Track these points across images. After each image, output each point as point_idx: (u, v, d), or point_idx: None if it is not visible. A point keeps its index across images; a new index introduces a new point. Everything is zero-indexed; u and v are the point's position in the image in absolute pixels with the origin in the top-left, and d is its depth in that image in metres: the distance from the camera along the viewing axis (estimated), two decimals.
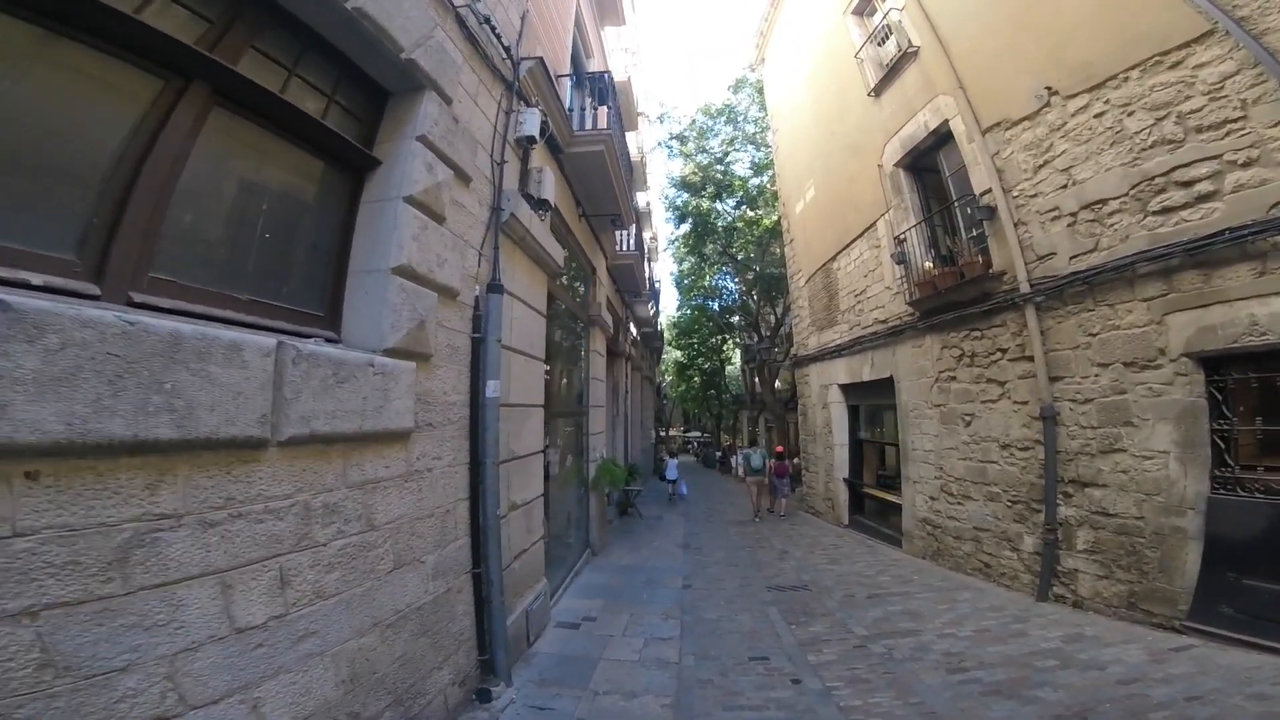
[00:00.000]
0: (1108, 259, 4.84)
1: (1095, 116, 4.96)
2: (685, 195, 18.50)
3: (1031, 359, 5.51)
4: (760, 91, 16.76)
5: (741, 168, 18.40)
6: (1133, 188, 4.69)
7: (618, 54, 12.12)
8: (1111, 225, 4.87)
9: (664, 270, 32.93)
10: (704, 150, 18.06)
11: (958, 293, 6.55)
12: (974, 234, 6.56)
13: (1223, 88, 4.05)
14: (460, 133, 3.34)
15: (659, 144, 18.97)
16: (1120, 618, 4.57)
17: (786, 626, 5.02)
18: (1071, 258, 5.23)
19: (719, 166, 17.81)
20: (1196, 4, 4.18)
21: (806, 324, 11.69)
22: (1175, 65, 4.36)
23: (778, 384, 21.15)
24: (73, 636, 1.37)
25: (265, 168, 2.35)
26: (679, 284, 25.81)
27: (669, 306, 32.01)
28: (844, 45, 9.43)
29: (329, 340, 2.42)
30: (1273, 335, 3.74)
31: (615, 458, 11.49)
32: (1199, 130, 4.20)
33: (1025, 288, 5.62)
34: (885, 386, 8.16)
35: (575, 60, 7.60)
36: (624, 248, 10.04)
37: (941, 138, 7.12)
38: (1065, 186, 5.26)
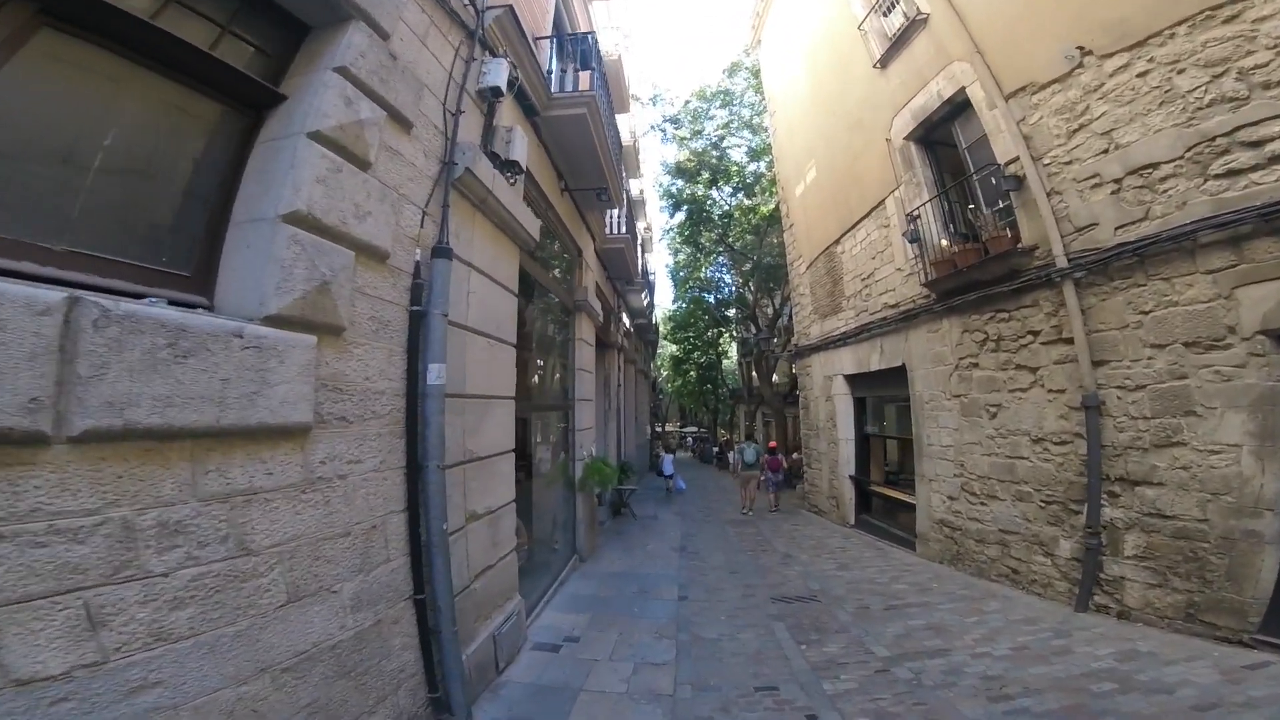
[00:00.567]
0: (1161, 228, 4.25)
1: (1138, 76, 4.44)
2: (680, 182, 17.81)
3: (1070, 341, 4.90)
4: (756, 75, 16.11)
5: (738, 154, 17.72)
6: (1189, 150, 4.13)
7: (608, 32, 11.44)
8: (1165, 191, 4.29)
9: (659, 263, 32.27)
10: (699, 134, 17.33)
11: (981, 271, 5.93)
12: (998, 207, 5.97)
13: None
14: (399, 72, 2.74)
15: (652, 127, 18.26)
16: (1176, 630, 4.03)
17: (796, 647, 4.40)
18: (1117, 228, 4.63)
19: (715, 152, 17.09)
20: None
21: (808, 312, 11.06)
22: (1230, 20, 3.89)
23: (776, 377, 20.57)
24: None
25: (120, 102, 1.82)
26: (674, 276, 25.21)
27: (665, 300, 31.48)
28: (845, 18, 8.82)
29: (186, 306, 1.76)
30: None
31: (607, 455, 10.86)
32: (1266, 87, 3.69)
33: (1062, 262, 5.00)
34: (897, 376, 7.53)
35: (558, 27, 6.94)
36: (614, 230, 9.39)
37: (957, 107, 6.54)
38: (1106, 151, 4.69)
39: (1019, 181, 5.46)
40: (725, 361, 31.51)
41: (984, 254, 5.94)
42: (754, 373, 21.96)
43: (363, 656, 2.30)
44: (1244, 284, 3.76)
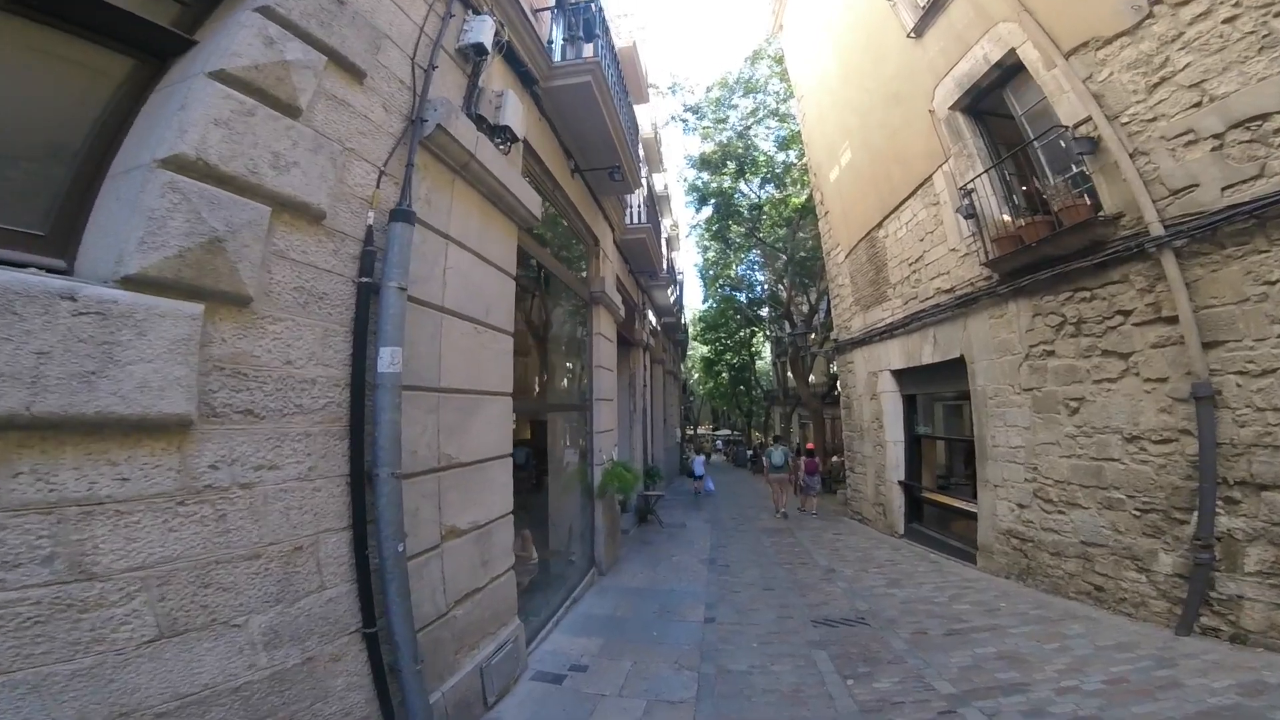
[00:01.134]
0: None
1: (1224, 22, 3.89)
2: (705, 175, 17.12)
3: (1173, 320, 4.09)
4: (779, 61, 15.39)
5: (766, 144, 16.91)
6: None
7: (620, 20, 11.02)
8: None
9: (687, 263, 31.63)
10: (722, 123, 16.56)
11: (1054, 245, 5.16)
12: (1069, 174, 5.20)
13: None
14: (348, 17, 2.34)
15: (672, 118, 17.54)
16: None
17: (841, 681, 3.74)
18: (1225, 188, 3.91)
19: (740, 142, 16.32)
20: None
21: (849, 304, 10.25)
22: None
23: (813, 377, 19.61)
24: None
25: None
26: (703, 275, 24.50)
27: (694, 300, 30.83)
28: None
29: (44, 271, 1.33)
30: None
31: (631, 459, 10.33)
32: None
33: (1157, 229, 4.24)
34: (953, 369, 6.72)
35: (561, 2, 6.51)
36: (635, 220, 8.88)
37: (1008, 71, 5.89)
38: (1199, 104, 4.03)
39: (1093, 144, 4.79)
40: (759, 362, 30.59)
41: (1056, 226, 5.19)
42: (789, 373, 21.03)
43: (285, 700, 1.84)
44: None
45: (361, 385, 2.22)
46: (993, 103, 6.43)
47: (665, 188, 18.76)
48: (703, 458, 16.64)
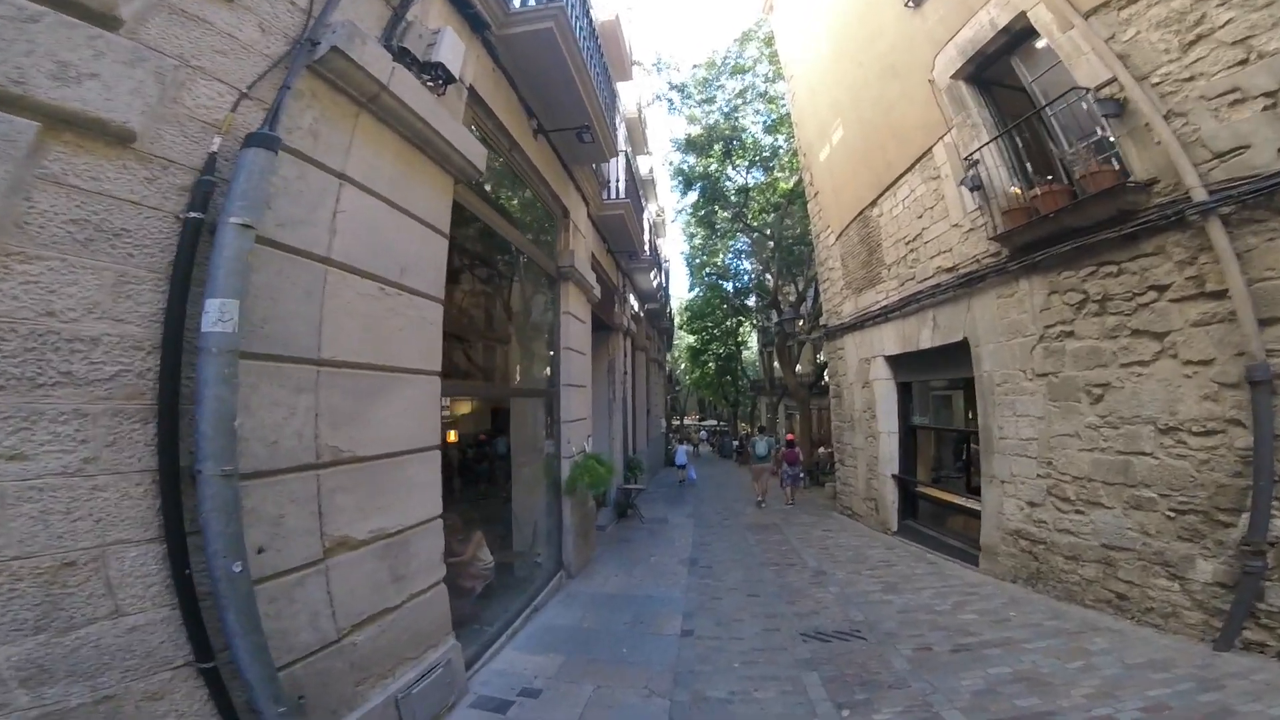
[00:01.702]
0: None
1: None
2: (691, 159, 16.41)
3: (1219, 295, 3.59)
4: (769, 44, 14.75)
5: (754, 126, 16.24)
6: None
7: None
8: None
9: (674, 251, 31.00)
10: (709, 102, 15.82)
11: (1075, 215, 4.66)
12: (1088, 140, 4.66)
13: None
14: None
15: (657, 97, 16.75)
16: None
17: (837, 713, 3.20)
18: None
19: (727, 123, 15.63)
20: None
21: (839, 288, 9.71)
22: None
23: (800, 367, 19.16)
24: None
25: None
26: (690, 263, 23.89)
27: (681, 290, 30.25)
28: None
29: None
30: None
31: (610, 450, 9.72)
32: None
33: (1200, 195, 3.74)
34: (955, 354, 6.20)
35: None
36: (613, 194, 8.22)
37: (1016, 36, 5.43)
38: (1245, 62, 3.58)
39: (1118, 105, 4.34)
40: (745, 352, 30.16)
41: (1076, 195, 4.68)
42: (776, 362, 20.57)
43: None
44: None
45: (179, 351, 1.56)
46: (999, 71, 5.96)
47: (650, 171, 18.06)
48: (686, 447, 16.80)
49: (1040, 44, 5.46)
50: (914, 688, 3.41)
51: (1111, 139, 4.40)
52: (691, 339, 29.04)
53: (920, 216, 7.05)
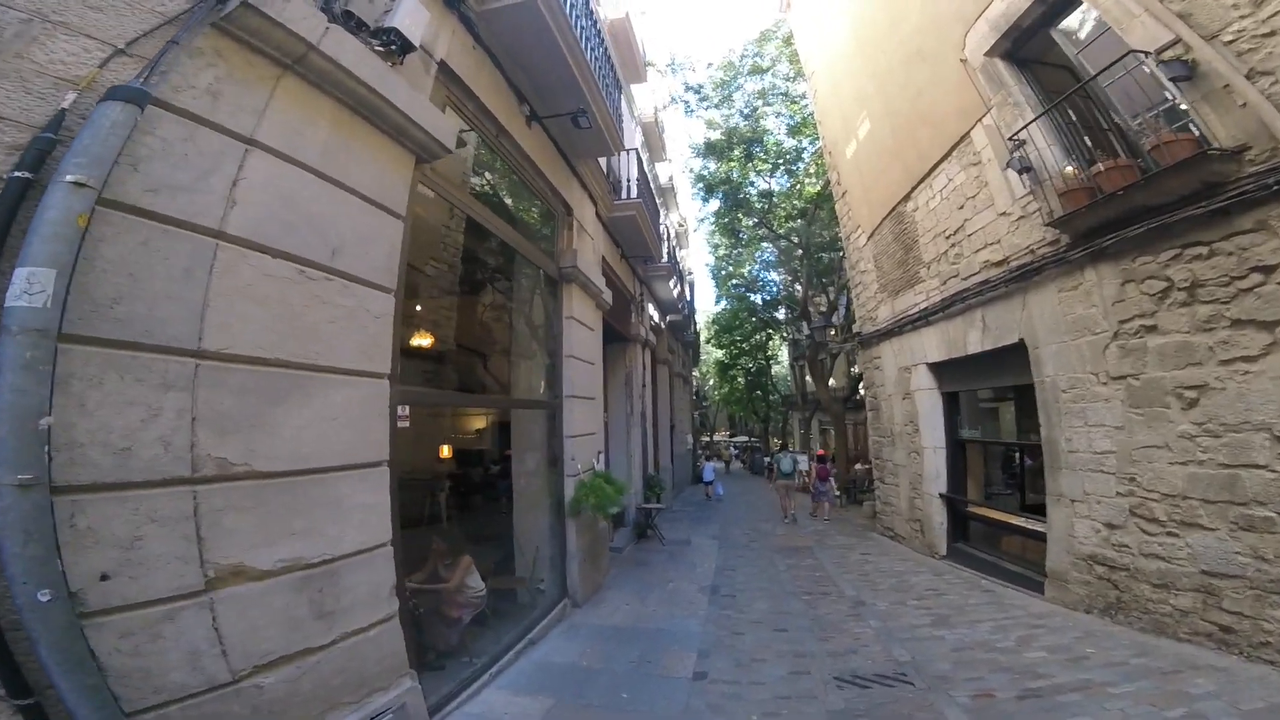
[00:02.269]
0: None
1: None
2: (711, 164, 15.99)
3: None
4: (788, 43, 14.35)
5: (776, 127, 15.74)
6: None
7: None
8: None
9: (698, 263, 30.63)
10: (728, 100, 15.37)
11: (1147, 192, 4.04)
12: (1155, 110, 4.10)
13: None
14: None
15: (673, 99, 16.39)
16: None
17: None
18: None
19: (747, 125, 15.17)
20: None
21: (873, 292, 9.05)
22: None
23: (832, 381, 18.30)
24: None
25: None
26: (715, 274, 23.36)
27: (706, 304, 29.77)
28: None
29: None
30: None
31: (629, 467, 9.23)
32: None
33: None
34: (1009, 358, 5.52)
35: None
36: (625, 194, 7.87)
37: (1054, 6, 5.00)
38: None
39: (1187, 68, 3.83)
40: (776, 366, 29.31)
41: (1145, 170, 4.09)
42: (807, 376, 19.74)
43: None
44: None
45: None
46: (1037, 47, 5.46)
47: (670, 180, 17.75)
48: (713, 464, 17.02)
49: (1082, 13, 4.95)
50: None
51: (1182, 106, 3.87)
52: (719, 353, 28.41)
53: (961, 207, 6.43)
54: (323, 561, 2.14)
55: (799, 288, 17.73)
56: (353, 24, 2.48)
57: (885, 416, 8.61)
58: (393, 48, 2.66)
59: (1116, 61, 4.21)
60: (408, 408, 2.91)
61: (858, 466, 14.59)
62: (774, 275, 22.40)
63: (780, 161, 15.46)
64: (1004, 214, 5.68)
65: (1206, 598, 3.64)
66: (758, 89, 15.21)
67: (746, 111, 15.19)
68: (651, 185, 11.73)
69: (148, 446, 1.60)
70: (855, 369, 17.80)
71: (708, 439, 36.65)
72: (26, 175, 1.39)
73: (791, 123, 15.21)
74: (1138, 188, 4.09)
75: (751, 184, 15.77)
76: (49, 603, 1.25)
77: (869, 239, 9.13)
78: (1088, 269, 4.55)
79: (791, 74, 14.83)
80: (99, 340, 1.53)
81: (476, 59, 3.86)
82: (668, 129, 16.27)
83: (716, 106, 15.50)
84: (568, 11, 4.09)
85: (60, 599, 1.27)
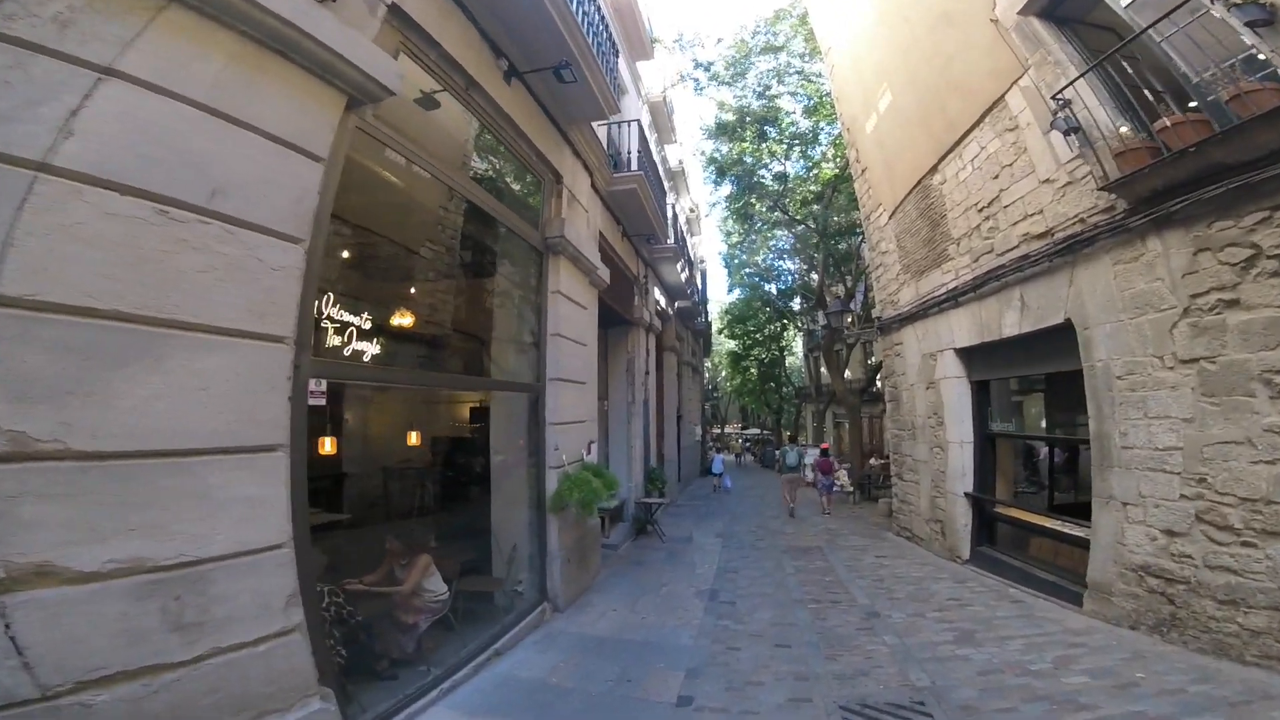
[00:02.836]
0: None
1: None
2: (724, 147, 15.28)
3: None
4: (804, 21, 13.56)
5: (792, 106, 14.96)
6: None
7: None
8: None
9: (710, 252, 29.91)
10: (740, 76, 14.55)
11: (1227, 148, 3.45)
12: (1230, 60, 3.53)
13: None
14: None
15: (682, 78, 15.59)
16: None
17: None
18: None
19: (760, 103, 14.40)
20: None
21: (895, 274, 8.40)
22: None
23: (848, 373, 17.60)
24: None
25: None
26: (728, 262, 22.71)
27: (719, 293, 29.11)
28: None
29: None
30: None
31: (629, 459, 8.75)
32: None
33: None
34: (1053, 341, 4.90)
35: None
36: (627, 168, 7.33)
37: None
38: None
39: (1266, 11, 3.32)
40: (789, 358, 28.58)
41: (1218, 125, 3.49)
42: (822, 367, 19.03)
43: None
44: None
45: None
46: (1077, 5, 4.94)
47: (680, 164, 17.11)
48: (723, 456, 17.25)
49: None
50: None
51: (1260, 56, 3.34)
52: (732, 344, 27.76)
53: (996, 177, 5.79)
54: (180, 564, 1.72)
55: (815, 276, 17.02)
56: None
57: (905, 408, 7.98)
58: None
59: (1177, 8, 3.58)
60: (324, 382, 2.44)
61: (873, 461, 13.97)
62: (789, 264, 21.74)
63: (795, 142, 14.71)
64: (1047, 181, 5.04)
65: None
66: (771, 67, 14.44)
67: (759, 90, 14.42)
68: (657, 161, 11.16)
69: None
70: (873, 359, 17.09)
71: (718, 431, 36.07)
72: None
73: (808, 103, 14.44)
74: (1214, 143, 3.48)
75: (765, 166, 15.05)
76: None
77: (891, 217, 8.47)
78: (1150, 237, 3.91)
79: (807, 52, 14.05)
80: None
81: (441, 7, 3.42)
82: (677, 111, 15.58)
83: (728, 84, 14.75)
84: None
85: None
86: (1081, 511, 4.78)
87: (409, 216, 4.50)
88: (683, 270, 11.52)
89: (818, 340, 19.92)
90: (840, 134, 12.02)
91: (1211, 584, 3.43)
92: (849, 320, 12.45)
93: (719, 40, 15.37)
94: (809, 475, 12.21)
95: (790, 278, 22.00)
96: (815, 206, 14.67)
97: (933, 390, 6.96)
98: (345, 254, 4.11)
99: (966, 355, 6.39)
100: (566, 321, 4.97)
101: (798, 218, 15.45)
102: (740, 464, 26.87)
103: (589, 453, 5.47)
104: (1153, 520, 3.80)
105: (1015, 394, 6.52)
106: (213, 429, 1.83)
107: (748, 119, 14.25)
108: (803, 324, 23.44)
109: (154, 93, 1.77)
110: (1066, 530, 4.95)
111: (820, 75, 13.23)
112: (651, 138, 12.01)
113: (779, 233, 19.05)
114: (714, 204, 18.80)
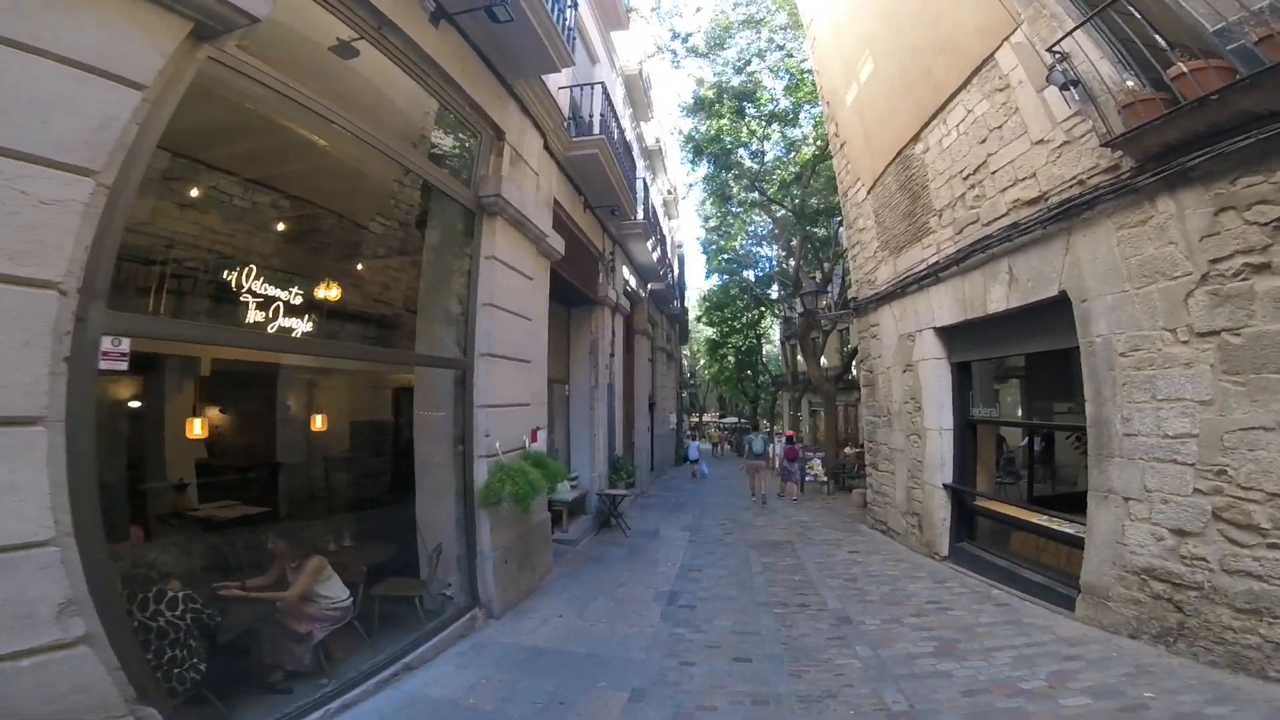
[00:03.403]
0: None
1: None
2: (701, 125, 14.68)
3: None
4: None
5: (772, 82, 14.42)
6: None
7: None
8: None
9: (689, 237, 29.44)
10: (718, 48, 13.91)
11: (1255, 95, 3.01)
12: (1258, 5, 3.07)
13: None
14: None
15: (659, 49, 14.93)
16: None
17: None
18: None
19: (739, 78, 13.82)
20: None
21: (873, 251, 7.95)
22: None
23: (823, 359, 17.28)
24: None
25: None
26: (706, 247, 22.18)
27: (698, 279, 28.69)
28: None
29: None
30: None
31: (592, 448, 8.18)
32: None
33: None
34: (1045, 316, 4.47)
35: None
36: (589, 131, 6.69)
37: None
38: None
39: None
40: (767, 346, 28.34)
41: (1239, 70, 3.06)
42: (799, 355, 18.72)
43: None
44: None
45: None
46: None
47: (658, 141, 16.43)
48: (698, 443, 17.90)
49: None
50: None
51: None
52: (710, 331, 27.37)
53: (983, 141, 5.32)
54: None
55: (792, 263, 16.59)
56: None
57: (881, 393, 7.56)
58: None
59: None
60: (126, 341, 1.81)
61: (847, 450, 13.67)
62: (766, 250, 21.35)
63: (774, 121, 14.16)
64: (1040, 142, 4.58)
65: None
66: (751, 42, 13.83)
67: (739, 65, 13.81)
68: (631, 138, 10.50)
69: None
70: (850, 345, 16.79)
71: (696, 420, 35.81)
72: None
73: (789, 81, 13.88)
74: (1241, 89, 3.01)
75: (744, 145, 14.49)
76: None
77: (869, 192, 8.00)
78: (1162, 197, 3.45)
79: (789, 25, 13.46)
80: None
81: None
82: (654, 87, 14.87)
83: (705, 57, 14.09)
84: None
85: None
86: (1071, 505, 4.39)
87: (308, 166, 3.81)
88: (655, 250, 10.92)
89: (795, 328, 19.61)
90: (820, 113, 11.53)
91: (1230, 590, 3.02)
92: (823, 304, 11.98)
93: (698, 10, 14.71)
94: (776, 463, 12.25)
95: (768, 264, 21.64)
96: (794, 189, 14.20)
97: (910, 373, 6.52)
98: (200, 198, 3.43)
99: (947, 334, 5.94)
100: (504, 291, 4.34)
101: (775, 199, 14.97)
102: (718, 453, 26.65)
103: (534, 441, 4.87)
104: (1160, 518, 3.38)
105: (1001, 376, 6.13)
106: None
107: (726, 95, 13.64)
108: (780, 311, 23.13)
109: None
110: (1058, 528, 4.56)
111: (801, 50, 12.69)
112: (626, 113, 11.33)
113: (756, 217, 18.60)
114: (691, 185, 18.22)
